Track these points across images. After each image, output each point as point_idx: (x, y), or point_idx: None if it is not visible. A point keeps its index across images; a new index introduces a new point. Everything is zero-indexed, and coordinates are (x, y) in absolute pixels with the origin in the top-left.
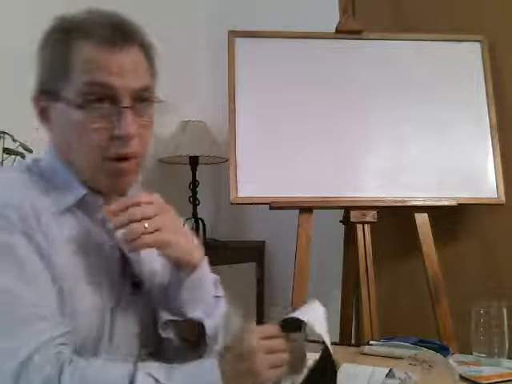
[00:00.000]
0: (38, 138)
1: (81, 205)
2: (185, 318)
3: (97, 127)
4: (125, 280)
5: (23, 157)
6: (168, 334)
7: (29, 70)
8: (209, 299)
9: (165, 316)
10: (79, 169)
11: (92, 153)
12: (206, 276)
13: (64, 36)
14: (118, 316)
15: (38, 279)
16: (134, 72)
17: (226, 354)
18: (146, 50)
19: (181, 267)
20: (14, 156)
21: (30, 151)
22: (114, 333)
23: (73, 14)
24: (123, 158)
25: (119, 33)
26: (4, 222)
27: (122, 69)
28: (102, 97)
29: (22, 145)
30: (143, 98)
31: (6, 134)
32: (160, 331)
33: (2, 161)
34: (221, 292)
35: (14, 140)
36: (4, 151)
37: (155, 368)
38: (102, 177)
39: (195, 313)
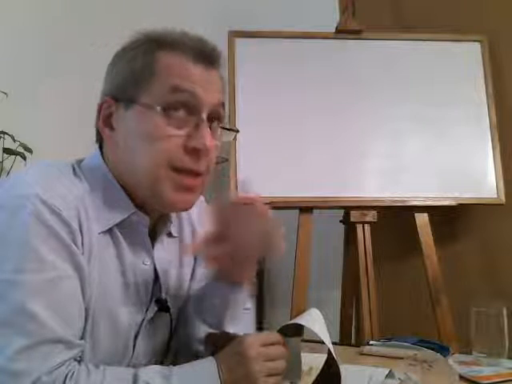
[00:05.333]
0: (38, 138)
1: (123, 222)
2: (222, 330)
3: (173, 134)
4: (152, 297)
5: (23, 157)
6: (205, 345)
7: (28, 71)
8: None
9: (204, 328)
10: (140, 179)
11: (161, 160)
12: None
13: (149, 46)
14: (142, 331)
15: (69, 303)
16: (214, 88)
17: (224, 360)
18: (221, 75)
19: (234, 278)
20: (13, 156)
21: (30, 151)
22: (136, 346)
23: (153, 29)
24: (192, 174)
25: (206, 53)
26: (53, 235)
27: (205, 81)
28: (183, 104)
29: (22, 145)
30: (217, 114)
31: (6, 134)
32: (196, 344)
33: (2, 161)
34: (250, 304)
35: (14, 140)
36: (4, 151)
37: (152, 376)
38: (166, 190)
39: (236, 328)
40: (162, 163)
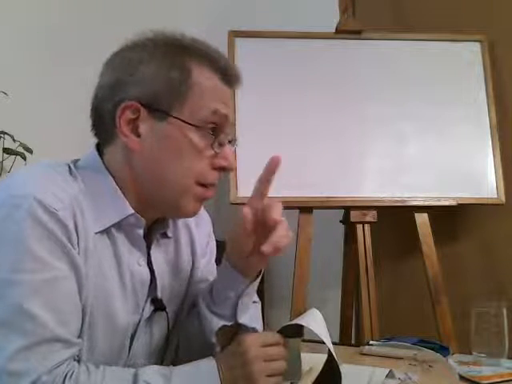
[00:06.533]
0: (38, 138)
1: (120, 223)
2: (236, 322)
3: (204, 152)
4: (148, 297)
5: (23, 157)
6: (217, 337)
7: (28, 71)
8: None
9: (218, 322)
10: (166, 190)
11: (191, 176)
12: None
13: (182, 55)
14: (139, 331)
15: (66, 303)
16: (232, 107)
17: (224, 360)
18: None
19: (254, 271)
20: (14, 156)
21: (30, 151)
22: (133, 346)
23: (181, 34)
24: (213, 186)
25: (233, 74)
26: (49, 235)
27: (229, 101)
28: (214, 124)
29: (22, 145)
30: (233, 133)
31: (6, 134)
32: (211, 337)
33: (2, 161)
34: (257, 297)
35: (14, 140)
36: (4, 151)
37: (153, 376)
38: (189, 202)
39: (246, 319)
40: (193, 179)
